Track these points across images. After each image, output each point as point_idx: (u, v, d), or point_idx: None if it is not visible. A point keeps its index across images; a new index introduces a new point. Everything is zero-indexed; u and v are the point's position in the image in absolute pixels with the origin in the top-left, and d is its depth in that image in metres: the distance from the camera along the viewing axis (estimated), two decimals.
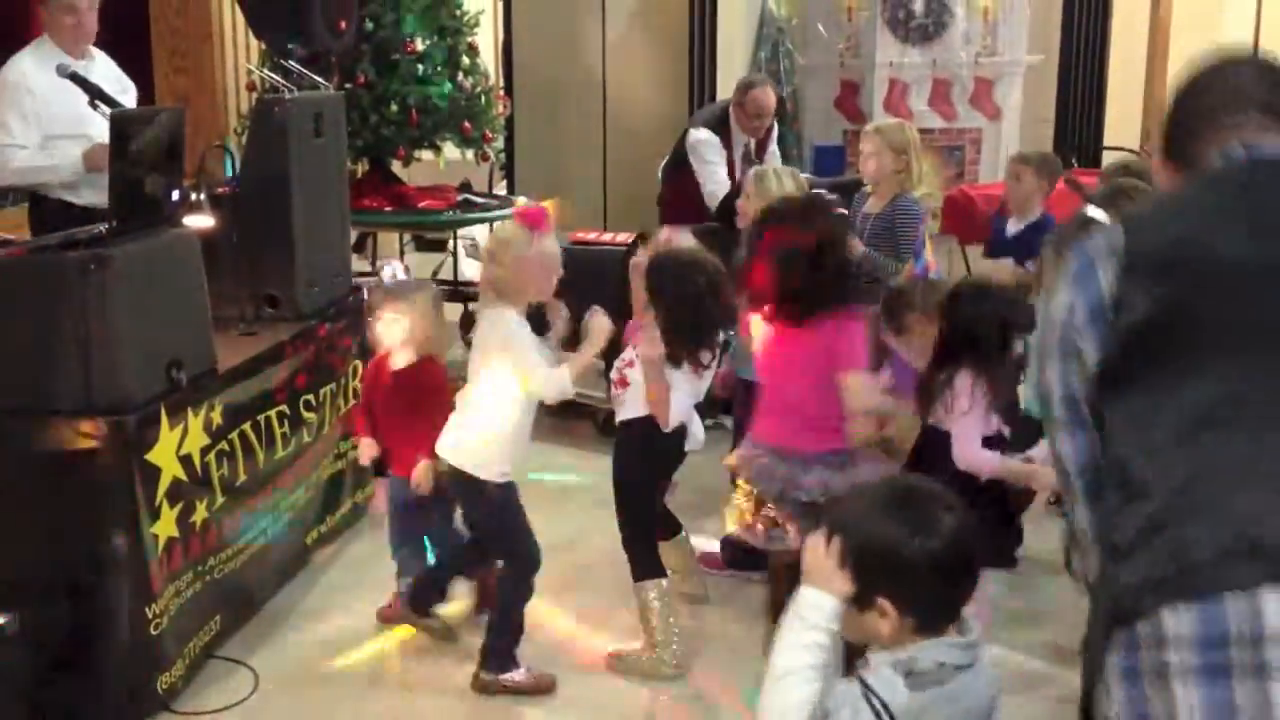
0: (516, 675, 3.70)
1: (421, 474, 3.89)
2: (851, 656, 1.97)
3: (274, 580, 4.27)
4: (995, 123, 8.27)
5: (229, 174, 4.82)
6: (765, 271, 3.47)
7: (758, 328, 3.66)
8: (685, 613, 4.04)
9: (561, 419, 6.11)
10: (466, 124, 7.05)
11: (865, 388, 3.44)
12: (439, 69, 7.00)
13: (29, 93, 4.65)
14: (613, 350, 3.78)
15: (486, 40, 8.16)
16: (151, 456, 3.45)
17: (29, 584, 3.35)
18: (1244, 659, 1.61)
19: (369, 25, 6.72)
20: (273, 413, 4.16)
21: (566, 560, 4.43)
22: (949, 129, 8.21)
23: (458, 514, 3.94)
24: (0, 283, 3.41)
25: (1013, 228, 5.19)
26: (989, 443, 3.38)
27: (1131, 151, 7.37)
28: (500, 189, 8.53)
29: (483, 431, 3.61)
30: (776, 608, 3.18)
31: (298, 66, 4.86)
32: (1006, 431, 3.47)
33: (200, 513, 3.70)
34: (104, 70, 4.79)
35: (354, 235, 6.96)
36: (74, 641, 3.40)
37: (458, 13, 7.20)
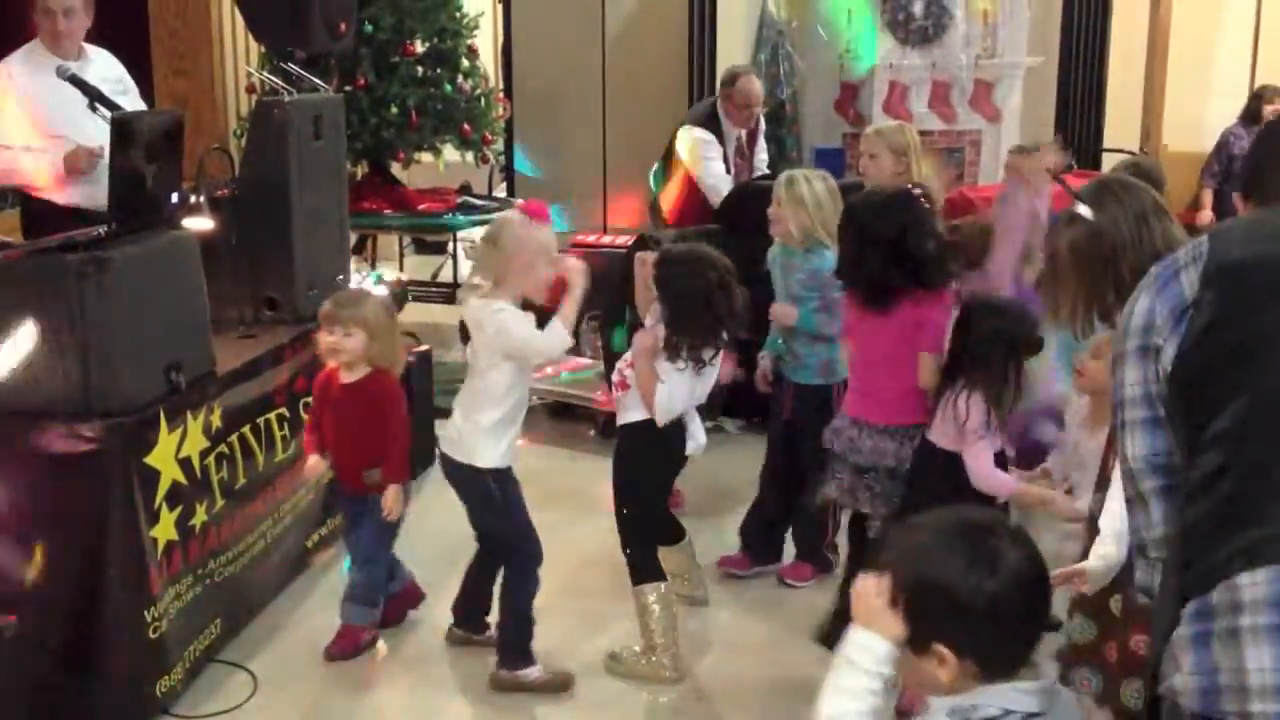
0: (533, 672, 3.71)
1: (393, 499, 3.82)
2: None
3: (274, 583, 4.26)
4: (995, 125, 8.25)
5: (229, 176, 4.82)
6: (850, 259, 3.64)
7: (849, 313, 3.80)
8: (686, 615, 4.04)
9: (562, 421, 6.12)
10: (466, 126, 7.05)
11: (933, 368, 3.54)
12: (438, 71, 7.00)
13: (14, 94, 4.64)
14: (614, 354, 3.79)
15: (486, 42, 8.16)
16: (150, 459, 3.45)
17: (28, 587, 3.34)
18: None
19: (368, 28, 6.72)
20: (272, 415, 4.16)
21: (566, 562, 4.42)
22: (949, 131, 8.19)
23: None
24: None
25: None
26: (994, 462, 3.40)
27: (1131, 153, 7.37)
28: (500, 191, 8.53)
29: (479, 421, 3.63)
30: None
31: (297, 69, 4.86)
32: (1010, 452, 3.47)
33: (199, 516, 3.69)
34: (103, 70, 4.77)
35: (353, 238, 6.96)
36: (73, 645, 3.39)
37: (457, 15, 7.20)
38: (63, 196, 4.70)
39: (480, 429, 3.62)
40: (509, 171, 8.54)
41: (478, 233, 8.36)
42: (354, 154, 6.78)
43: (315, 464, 3.95)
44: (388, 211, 7.03)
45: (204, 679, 3.73)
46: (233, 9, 7.29)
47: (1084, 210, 2.45)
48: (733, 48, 7.81)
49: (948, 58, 8.04)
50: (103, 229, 3.56)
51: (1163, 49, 8.63)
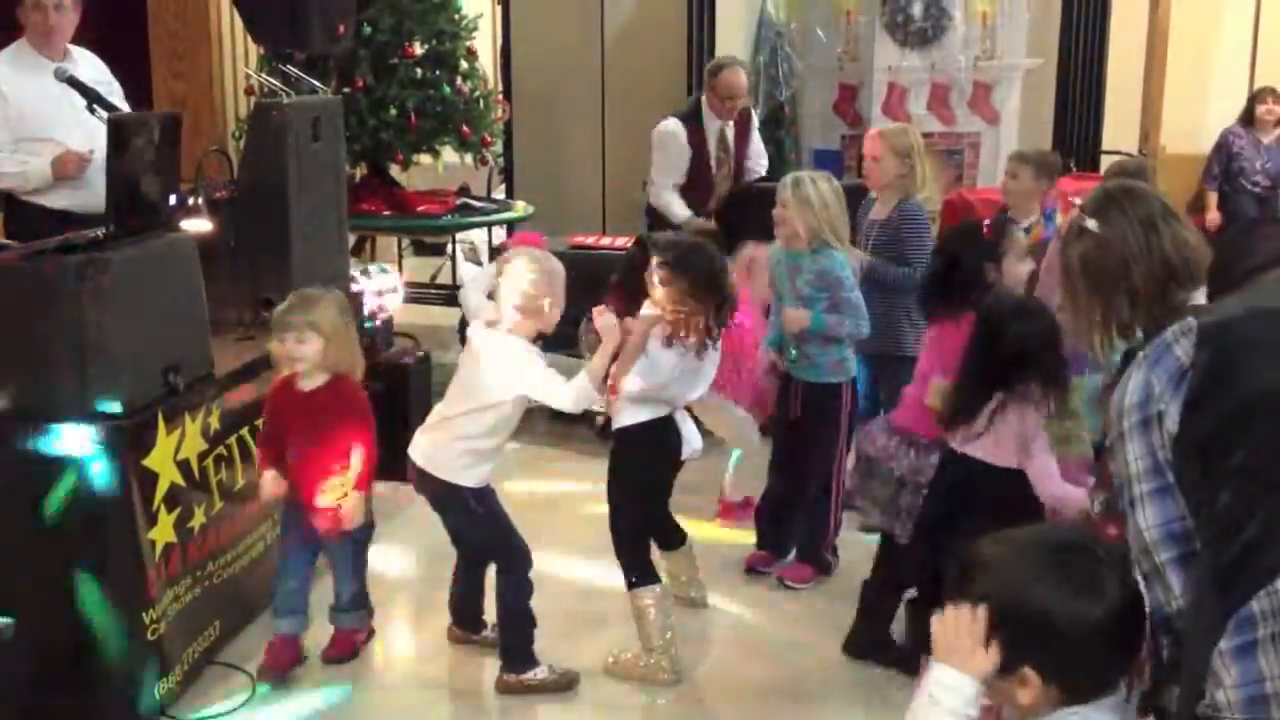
0: (539, 673, 3.71)
1: (355, 508, 3.70)
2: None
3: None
4: (994, 126, 8.26)
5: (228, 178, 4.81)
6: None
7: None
8: (685, 617, 4.03)
9: (560, 424, 6.11)
10: (465, 128, 7.04)
11: (937, 390, 3.66)
12: (437, 73, 7.00)
13: (0, 96, 4.62)
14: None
15: (485, 44, 8.16)
16: (149, 461, 3.45)
17: (26, 589, 3.34)
18: None
19: (367, 29, 6.72)
20: None
21: (564, 563, 4.42)
22: (948, 133, 8.19)
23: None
24: None
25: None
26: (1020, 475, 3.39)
27: (1130, 155, 7.37)
28: (499, 193, 8.53)
29: (468, 443, 3.63)
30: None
31: (296, 71, 4.86)
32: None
33: (198, 518, 3.69)
34: (92, 71, 4.74)
35: (352, 239, 6.96)
36: (71, 647, 3.39)
37: (456, 17, 7.20)
38: (50, 200, 4.67)
39: (470, 452, 3.63)
40: (508, 173, 8.55)
41: (476, 235, 8.40)
42: (352, 156, 6.78)
43: (272, 481, 3.71)
44: (386, 213, 7.03)
45: (203, 680, 3.73)
46: (231, 10, 7.29)
47: (1090, 223, 2.44)
48: (731, 49, 7.81)
49: (947, 59, 8.04)
50: (101, 231, 3.55)
51: (1161, 51, 8.63)
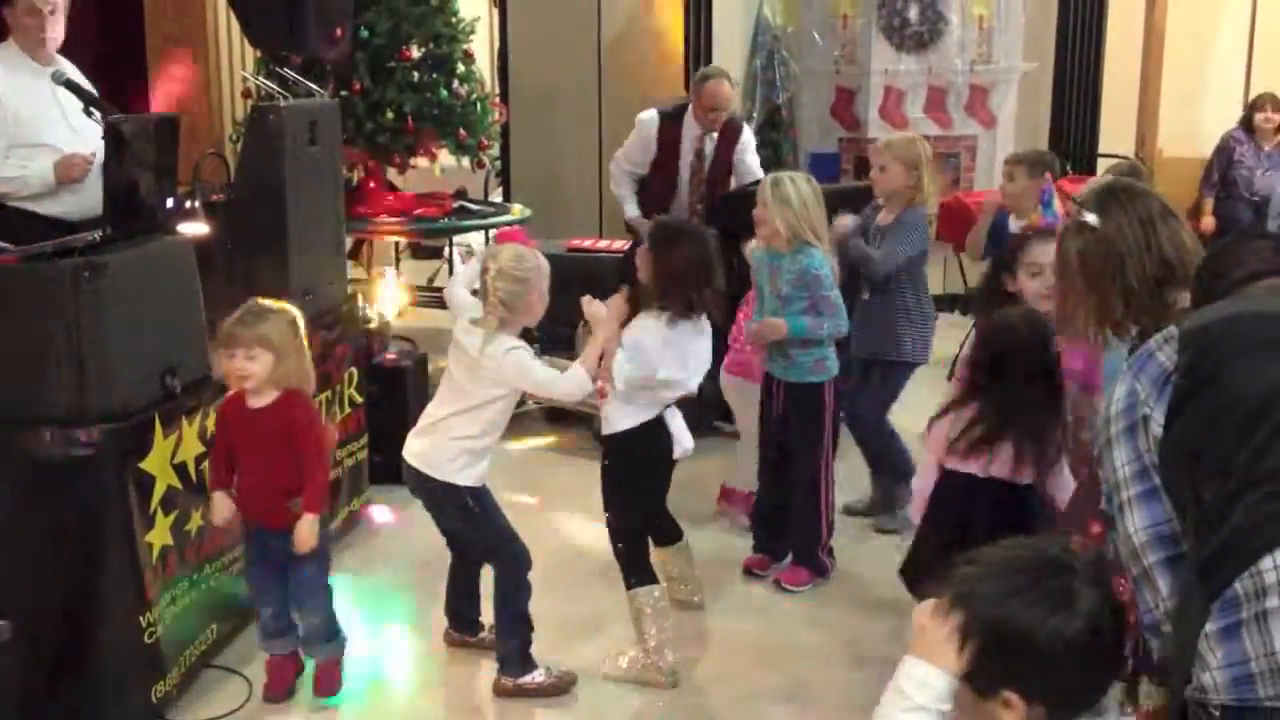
0: (537, 676, 3.71)
1: (308, 530, 3.49)
2: None
3: None
4: (990, 130, 8.27)
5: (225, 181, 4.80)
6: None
7: None
8: (682, 619, 4.04)
9: (557, 425, 6.12)
10: (462, 131, 7.04)
11: None
12: (434, 76, 7.00)
13: None
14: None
15: (482, 47, 8.15)
16: (146, 464, 3.44)
17: (23, 592, 3.34)
18: None
19: (364, 32, 6.71)
20: None
21: (562, 565, 4.42)
22: (945, 136, 8.20)
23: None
24: None
25: (1014, 224, 5.22)
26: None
27: (1125, 159, 7.38)
28: (496, 196, 8.53)
29: (464, 443, 3.63)
30: None
31: (293, 74, 4.86)
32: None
33: (195, 521, 3.68)
34: (76, 76, 4.70)
35: (349, 242, 6.95)
36: (68, 650, 3.38)
37: (453, 20, 7.19)
38: (44, 206, 4.53)
39: (466, 451, 3.63)
40: (505, 176, 8.55)
41: (473, 237, 8.39)
42: (350, 159, 6.77)
43: (222, 503, 3.55)
44: (383, 216, 7.03)
45: (199, 684, 3.72)
46: (229, 13, 7.29)
47: (1090, 218, 2.45)
48: (729, 53, 7.82)
49: (943, 63, 8.06)
50: (97, 234, 3.55)
51: (1158, 54, 8.65)
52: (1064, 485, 3.36)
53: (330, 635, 3.70)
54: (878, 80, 8.03)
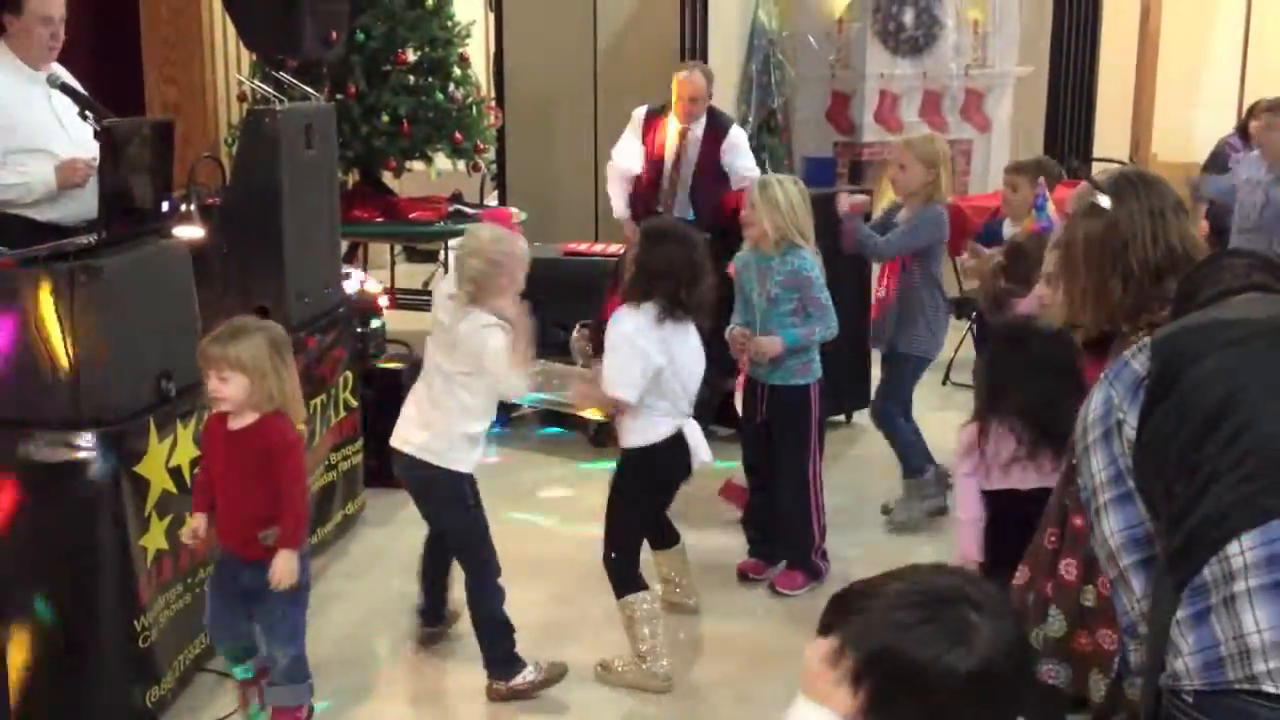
0: (528, 675, 3.71)
1: (284, 566, 3.24)
2: None
3: None
4: (985, 134, 8.30)
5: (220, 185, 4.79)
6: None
7: None
8: (676, 623, 4.03)
9: (555, 429, 6.11)
10: (458, 135, 7.05)
11: None
12: (430, 80, 7.01)
13: None
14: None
15: (478, 51, 8.16)
16: (140, 468, 3.44)
17: (18, 595, 3.33)
18: None
19: (360, 36, 6.72)
20: None
21: (556, 569, 4.42)
22: None
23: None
24: None
25: (1008, 230, 5.24)
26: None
27: (1121, 163, 7.40)
28: (492, 200, 8.53)
29: (466, 430, 3.65)
30: None
31: (289, 77, 4.86)
32: None
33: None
34: (68, 79, 4.67)
35: (345, 246, 6.95)
36: (63, 654, 3.38)
37: (449, 24, 7.20)
38: (39, 213, 4.40)
39: (466, 437, 3.65)
40: (500, 180, 8.55)
41: None
42: (345, 162, 6.77)
43: (198, 526, 3.36)
44: (379, 220, 7.03)
45: (193, 688, 3.72)
46: (224, 17, 7.28)
47: (1104, 200, 2.45)
48: (724, 57, 7.84)
49: (938, 67, 8.08)
50: (93, 237, 3.54)
51: (1152, 59, 8.68)
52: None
53: (297, 677, 3.42)
54: (873, 84, 8.05)
